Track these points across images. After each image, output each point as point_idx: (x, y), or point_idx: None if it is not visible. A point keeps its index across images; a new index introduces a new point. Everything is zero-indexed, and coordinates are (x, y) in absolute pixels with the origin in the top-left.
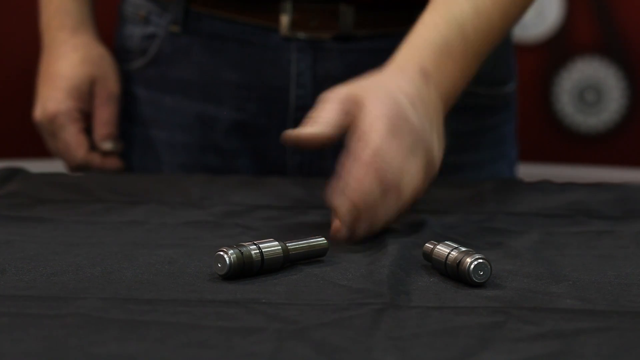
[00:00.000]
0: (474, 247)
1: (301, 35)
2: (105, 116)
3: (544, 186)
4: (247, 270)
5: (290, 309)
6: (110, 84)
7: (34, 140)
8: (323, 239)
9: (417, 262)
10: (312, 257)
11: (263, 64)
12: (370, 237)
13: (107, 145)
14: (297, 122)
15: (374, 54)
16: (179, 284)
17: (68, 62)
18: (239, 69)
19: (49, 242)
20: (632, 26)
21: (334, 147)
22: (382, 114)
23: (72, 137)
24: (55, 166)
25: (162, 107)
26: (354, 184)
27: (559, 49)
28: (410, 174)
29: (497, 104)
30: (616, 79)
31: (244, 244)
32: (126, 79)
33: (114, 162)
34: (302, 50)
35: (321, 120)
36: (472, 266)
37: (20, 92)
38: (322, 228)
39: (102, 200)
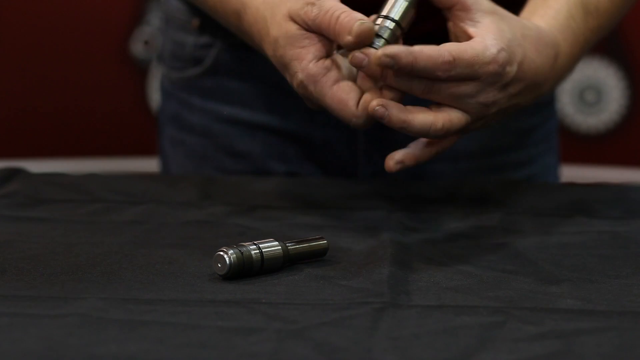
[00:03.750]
0: (474, 247)
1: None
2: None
3: (544, 186)
4: (247, 270)
5: (290, 309)
6: None
7: (34, 140)
8: (323, 238)
9: (417, 262)
10: (312, 257)
11: None
12: (369, 236)
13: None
14: (366, 133)
15: None
16: (179, 284)
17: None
18: None
19: (49, 242)
20: (632, 26)
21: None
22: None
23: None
24: (55, 166)
25: (220, 117)
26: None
27: None
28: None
29: (549, 98)
30: (616, 79)
31: (244, 244)
32: (179, 87)
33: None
34: None
35: None
36: None
37: (20, 92)
38: (322, 228)
39: (102, 200)
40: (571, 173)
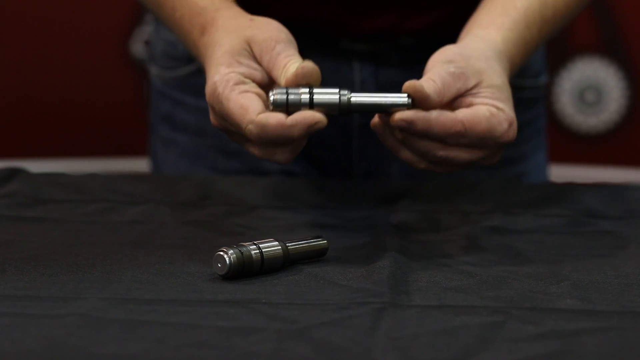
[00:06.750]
0: (474, 247)
1: (361, 47)
2: (280, 59)
3: (544, 186)
4: (247, 270)
5: (290, 309)
6: (272, 33)
7: (34, 140)
8: (323, 238)
9: (417, 262)
10: (312, 257)
11: (325, 72)
12: (369, 237)
13: (293, 66)
14: (361, 129)
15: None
16: (179, 284)
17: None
18: None
19: (49, 242)
20: (632, 26)
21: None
22: None
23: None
24: (55, 166)
25: None
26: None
27: (559, 49)
28: None
29: (539, 95)
30: (616, 79)
31: (244, 244)
32: (172, 86)
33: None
34: (363, 58)
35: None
36: None
37: (20, 92)
38: (322, 228)
39: (102, 200)
40: (571, 173)
